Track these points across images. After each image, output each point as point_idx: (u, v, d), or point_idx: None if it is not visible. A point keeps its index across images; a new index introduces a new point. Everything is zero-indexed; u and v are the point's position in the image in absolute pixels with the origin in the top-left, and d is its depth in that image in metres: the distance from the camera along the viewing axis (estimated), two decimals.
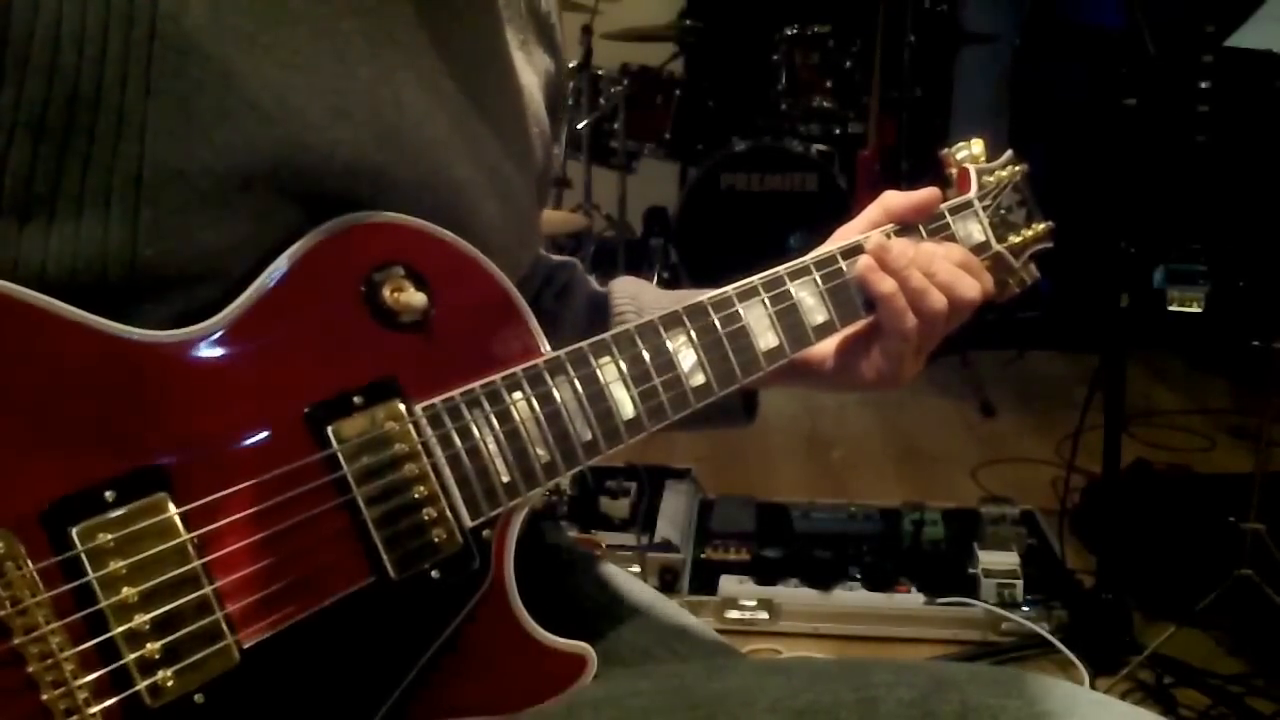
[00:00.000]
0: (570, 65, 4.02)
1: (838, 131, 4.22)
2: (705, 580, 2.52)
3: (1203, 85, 3.51)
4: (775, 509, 2.80)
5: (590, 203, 4.30)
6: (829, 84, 4.21)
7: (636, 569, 2.49)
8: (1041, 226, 1.04)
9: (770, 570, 2.51)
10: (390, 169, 0.74)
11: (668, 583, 2.50)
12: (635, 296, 1.00)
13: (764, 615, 2.45)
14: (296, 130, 0.70)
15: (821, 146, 4.12)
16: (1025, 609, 2.40)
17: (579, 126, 4.08)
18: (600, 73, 4.18)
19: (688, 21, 4.39)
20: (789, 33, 4.21)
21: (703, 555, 2.62)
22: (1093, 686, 2.18)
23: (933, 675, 0.81)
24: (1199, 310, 2.77)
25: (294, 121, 0.70)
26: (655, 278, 4.06)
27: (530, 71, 0.92)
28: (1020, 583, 2.41)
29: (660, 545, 2.58)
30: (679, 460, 3.02)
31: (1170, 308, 2.76)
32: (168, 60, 0.66)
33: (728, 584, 2.49)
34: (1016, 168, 1.03)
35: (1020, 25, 4.64)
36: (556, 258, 1.07)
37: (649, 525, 2.66)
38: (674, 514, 2.73)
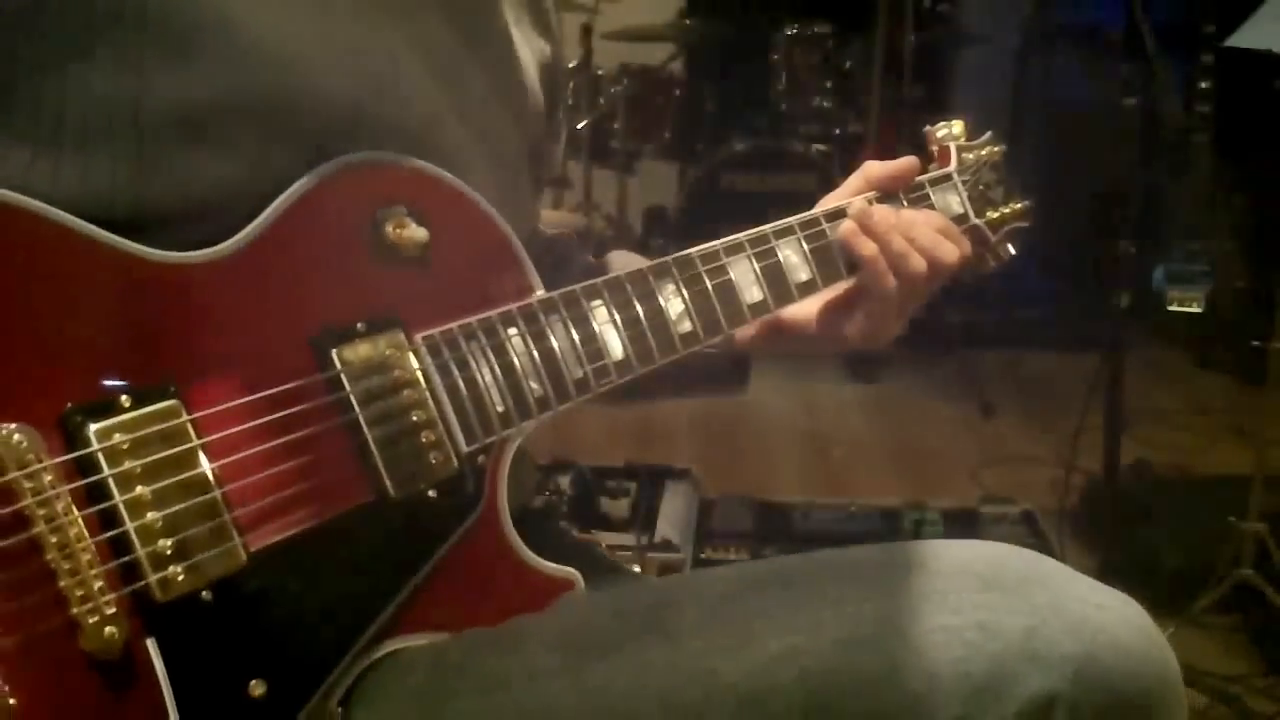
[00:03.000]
0: (570, 65, 4.02)
1: (838, 131, 4.21)
2: None
3: (1203, 85, 3.50)
4: (775, 509, 2.79)
5: (590, 203, 4.30)
6: (829, 84, 4.20)
7: (636, 569, 2.49)
8: (1019, 205, 1.07)
9: None
10: (383, 120, 0.78)
11: None
12: (628, 267, 1.01)
13: None
14: (295, 75, 0.73)
15: (821, 146, 4.12)
16: None
17: (579, 126, 4.08)
18: (600, 73, 4.18)
19: (688, 21, 4.38)
20: (789, 33, 4.21)
21: (703, 555, 2.62)
22: None
23: (894, 543, 0.83)
24: (1199, 310, 2.77)
25: (292, 66, 0.73)
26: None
27: (527, 50, 0.94)
28: None
29: (660, 545, 2.57)
30: (679, 460, 3.02)
31: (1170, 308, 2.76)
32: (163, 2, 0.69)
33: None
34: (996, 148, 1.06)
35: (1020, 25, 4.64)
36: (551, 231, 1.09)
37: (649, 525, 2.66)
38: (674, 514, 2.73)
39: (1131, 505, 2.60)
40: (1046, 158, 4.58)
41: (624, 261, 1.03)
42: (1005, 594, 0.73)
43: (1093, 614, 0.72)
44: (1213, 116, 3.52)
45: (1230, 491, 2.40)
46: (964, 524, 2.65)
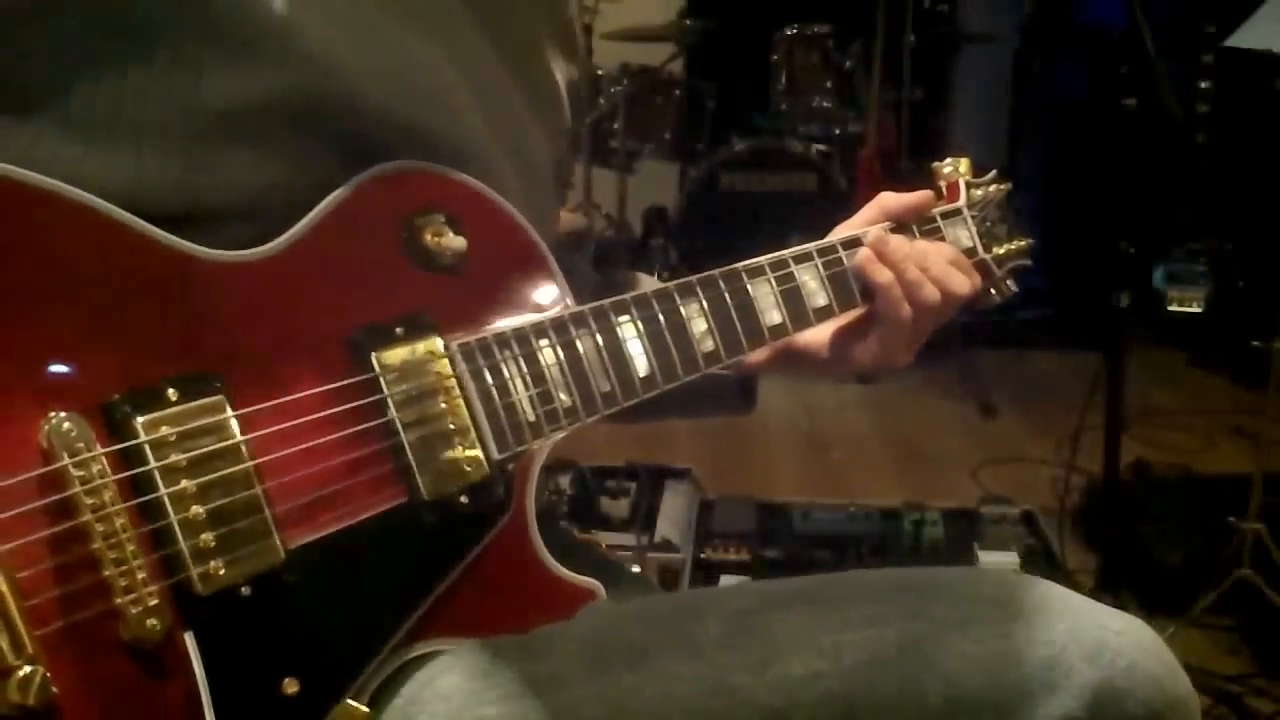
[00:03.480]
0: None
1: (838, 131, 4.21)
2: (705, 580, 2.52)
3: (1203, 85, 3.50)
4: (775, 509, 2.79)
5: (590, 203, 4.30)
6: (829, 84, 4.20)
7: (636, 569, 2.49)
8: (1023, 242, 1.10)
9: (770, 570, 2.51)
10: (424, 131, 0.79)
11: (667, 583, 2.49)
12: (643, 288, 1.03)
13: None
14: (344, 85, 0.75)
15: (821, 146, 4.12)
16: None
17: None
18: (600, 73, 4.18)
19: (688, 21, 4.38)
20: (789, 33, 4.21)
21: (703, 555, 2.62)
22: None
23: (902, 569, 0.85)
24: (1199, 310, 2.77)
25: (345, 76, 0.75)
26: (656, 277, 4.05)
27: (557, 71, 0.96)
28: None
29: (660, 545, 2.57)
30: (679, 460, 3.02)
31: (1170, 308, 2.76)
32: (225, 5, 0.71)
33: (728, 584, 2.49)
34: (1002, 186, 1.09)
35: (1020, 25, 4.64)
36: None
37: (649, 525, 2.66)
38: (674, 514, 2.73)
39: (1131, 505, 2.60)
40: (1046, 158, 4.59)
41: (644, 285, 1.04)
42: (1025, 622, 0.75)
43: (1110, 640, 0.74)
44: (1212, 116, 3.52)
45: (1230, 491, 2.40)
46: (964, 524, 2.65)
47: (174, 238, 0.70)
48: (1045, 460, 3.26)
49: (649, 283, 1.06)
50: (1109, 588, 2.32)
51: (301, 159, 0.75)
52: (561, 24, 0.97)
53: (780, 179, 4.04)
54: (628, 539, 2.59)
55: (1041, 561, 2.55)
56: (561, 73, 0.97)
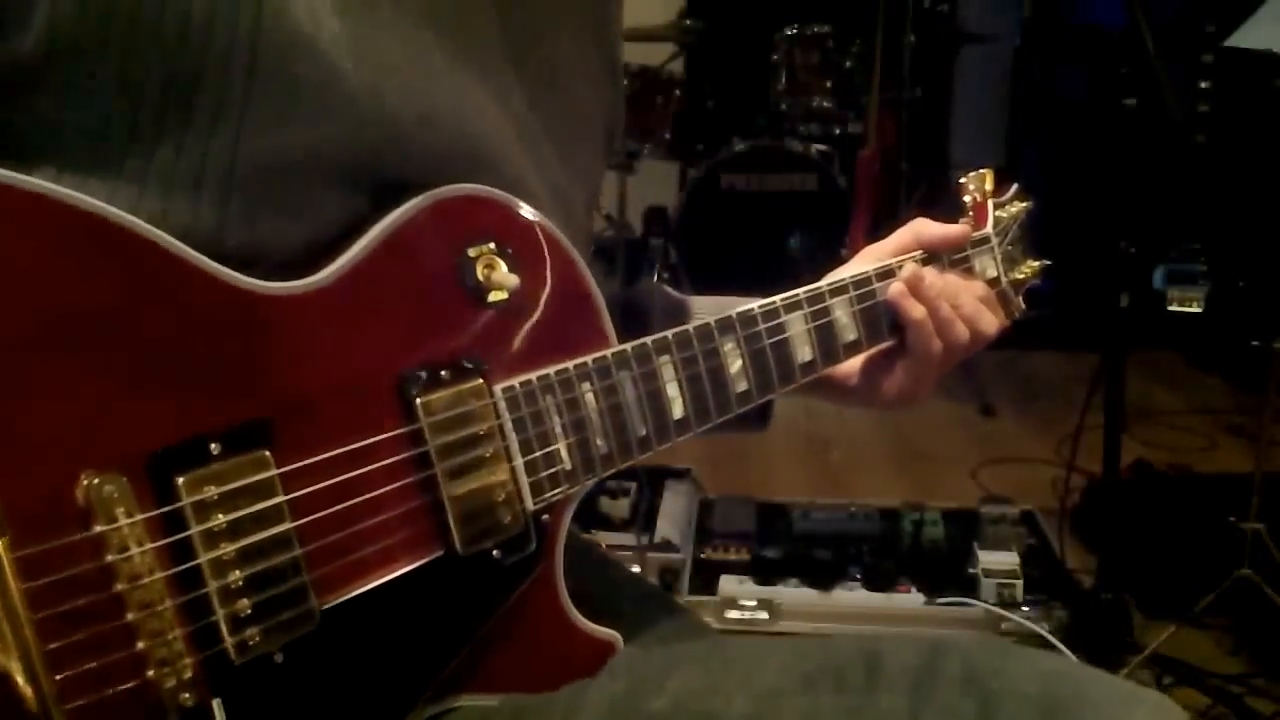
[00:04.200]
0: None
1: (837, 131, 4.21)
2: (705, 580, 2.52)
3: (1203, 85, 3.51)
4: (775, 509, 2.80)
5: None
6: (829, 84, 4.20)
7: (636, 569, 2.49)
8: (1036, 264, 1.11)
9: (770, 570, 2.51)
10: (468, 176, 0.76)
11: (667, 583, 2.50)
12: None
13: (764, 615, 2.45)
14: (390, 133, 0.72)
15: (821, 146, 4.12)
16: (1025, 609, 2.40)
17: None
18: None
19: (688, 21, 4.38)
20: (789, 33, 4.20)
21: (703, 555, 2.62)
22: None
23: (936, 640, 0.83)
24: (1199, 310, 2.77)
25: (388, 125, 0.72)
26: (655, 278, 4.06)
27: (594, 104, 0.94)
28: (1020, 583, 2.41)
29: (660, 545, 2.58)
30: (679, 460, 3.02)
31: (1170, 308, 2.75)
32: (272, 54, 0.68)
33: (728, 584, 2.49)
34: (1024, 204, 1.09)
35: (1020, 25, 4.65)
36: None
37: (649, 525, 2.66)
38: (674, 514, 2.73)
39: (1131, 505, 2.60)
40: (1046, 158, 4.59)
41: (661, 295, 1.04)
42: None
43: None
44: (1213, 116, 3.52)
45: (1230, 491, 2.40)
46: (964, 524, 2.65)
47: (218, 265, 0.65)
48: (1045, 460, 3.26)
49: (659, 293, 1.05)
50: (1109, 588, 2.32)
51: (334, 212, 0.72)
52: (607, 45, 0.94)
53: (780, 179, 4.04)
54: (628, 539, 2.59)
55: (1041, 561, 2.55)
56: (600, 98, 0.94)
